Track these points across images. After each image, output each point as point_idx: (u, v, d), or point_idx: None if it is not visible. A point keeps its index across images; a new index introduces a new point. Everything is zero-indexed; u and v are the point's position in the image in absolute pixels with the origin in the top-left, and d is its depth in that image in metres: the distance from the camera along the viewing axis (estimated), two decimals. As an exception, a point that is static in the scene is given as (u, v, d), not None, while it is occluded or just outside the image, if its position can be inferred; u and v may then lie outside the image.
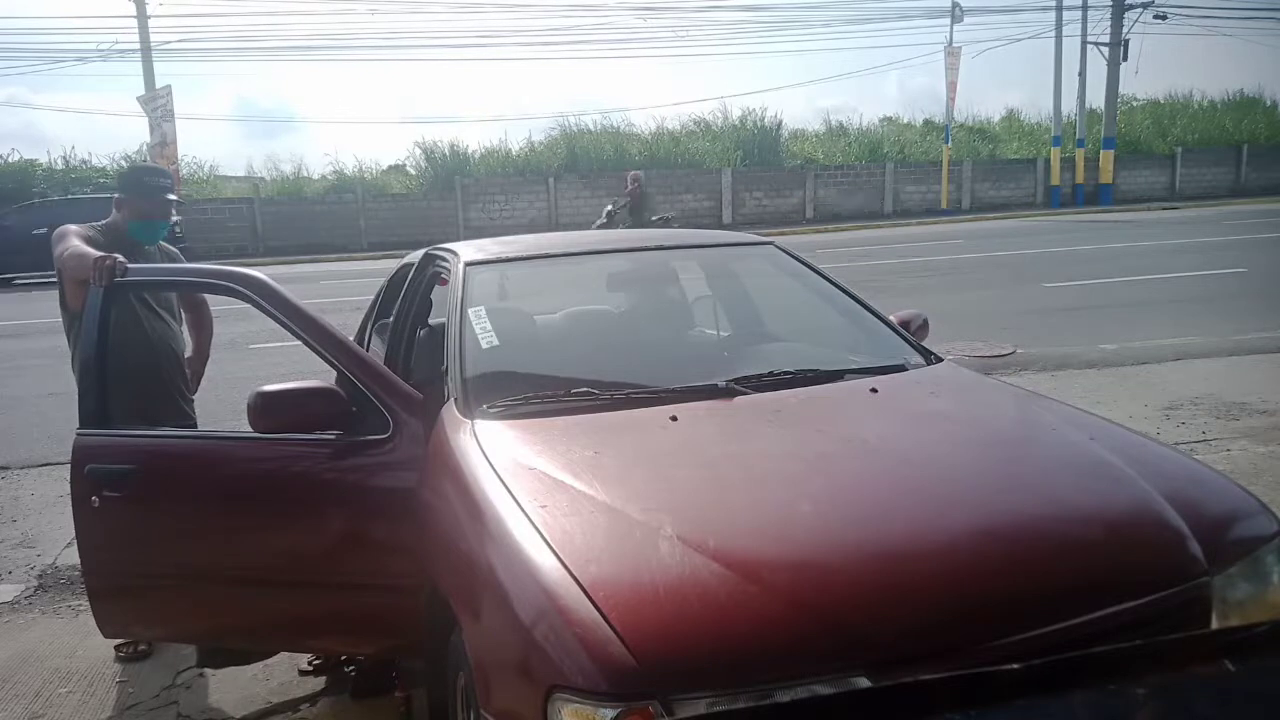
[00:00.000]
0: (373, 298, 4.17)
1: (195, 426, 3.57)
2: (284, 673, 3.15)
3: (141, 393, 3.27)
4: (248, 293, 2.68)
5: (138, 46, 22.81)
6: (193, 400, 3.66)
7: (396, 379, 2.61)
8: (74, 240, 3.13)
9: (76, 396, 2.77)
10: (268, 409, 2.41)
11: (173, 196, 3.51)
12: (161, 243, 3.59)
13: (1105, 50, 26.07)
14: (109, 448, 2.66)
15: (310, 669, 3.13)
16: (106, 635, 2.86)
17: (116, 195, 3.46)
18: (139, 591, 2.72)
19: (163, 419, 3.30)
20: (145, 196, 3.42)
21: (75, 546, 2.78)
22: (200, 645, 3.00)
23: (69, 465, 2.65)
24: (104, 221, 3.42)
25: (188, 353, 3.69)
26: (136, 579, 2.69)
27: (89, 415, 2.72)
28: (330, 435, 2.50)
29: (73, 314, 3.24)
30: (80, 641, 3.45)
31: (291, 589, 2.57)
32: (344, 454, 2.49)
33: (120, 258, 2.85)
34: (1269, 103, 32.02)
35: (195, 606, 2.74)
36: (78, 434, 2.68)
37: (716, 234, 3.99)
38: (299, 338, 2.63)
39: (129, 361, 3.15)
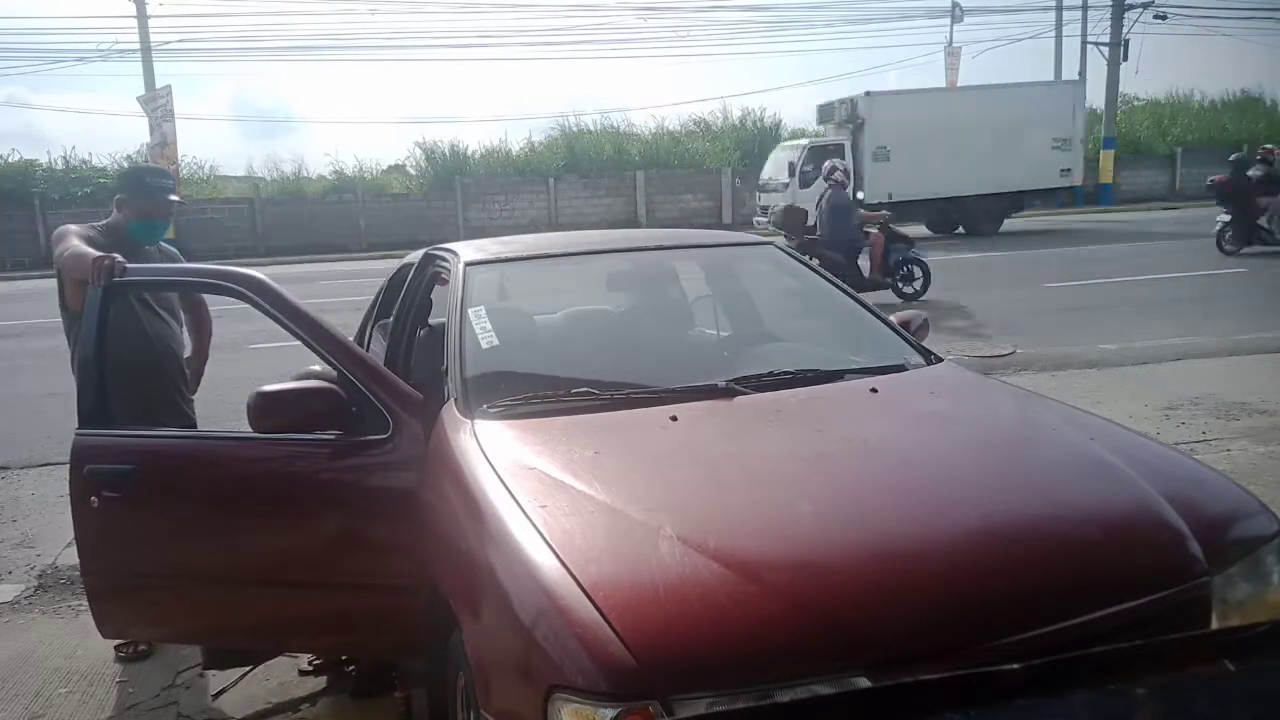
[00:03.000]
0: (373, 298, 4.17)
1: (195, 426, 3.57)
2: (284, 673, 3.14)
3: (141, 393, 3.27)
4: (247, 293, 2.68)
5: (138, 46, 22.83)
6: (193, 400, 3.66)
7: (396, 379, 2.60)
8: (73, 240, 3.12)
9: (76, 397, 2.77)
10: (268, 409, 2.41)
11: (174, 197, 3.52)
12: (161, 243, 3.59)
13: (1105, 50, 26.06)
14: (108, 448, 2.66)
15: (310, 669, 3.12)
16: (105, 636, 2.86)
17: (117, 195, 3.46)
18: (138, 592, 2.72)
19: (162, 419, 3.30)
20: (146, 196, 3.42)
21: (75, 546, 2.78)
22: (205, 647, 3.00)
23: (68, 465, 2.65)
24: (104, 221, 3.42)
25: (187, 353, 3.69)
26: (136, 579, 2.69)
27: (88, 415, 2.72)
28: (330, 435, 2.50)
29: (72, 314, 3.23)
30: (80, 641, 3.45)
31: (291, 589, 2.57)
32: (344, 454, 2.49)
33: (119, 257, 2.84)
34: (1269, 103, 32.01)
35: (194, 607, 2.73)
36: (77, 434, 2.68)
37: (716, 234, 3.99)
38: (299, 338, 2.62)
39: (129, 361, 3.15)
